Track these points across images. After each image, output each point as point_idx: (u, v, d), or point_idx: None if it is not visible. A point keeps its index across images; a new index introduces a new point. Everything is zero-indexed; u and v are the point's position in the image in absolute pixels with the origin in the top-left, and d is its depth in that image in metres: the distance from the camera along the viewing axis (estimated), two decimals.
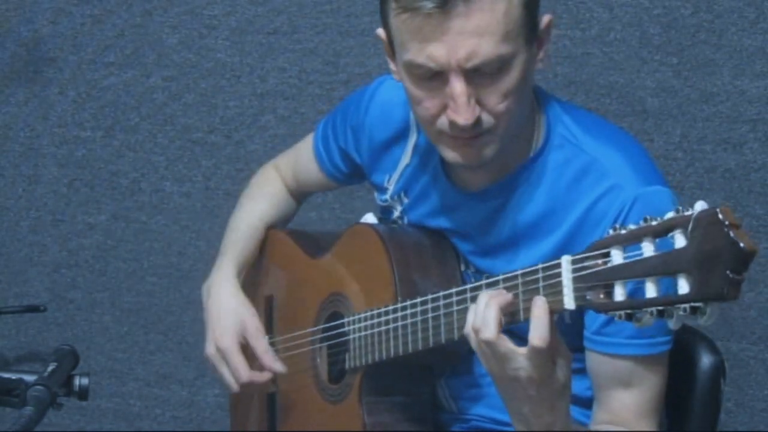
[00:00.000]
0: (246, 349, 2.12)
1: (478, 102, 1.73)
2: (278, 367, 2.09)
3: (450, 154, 1.82)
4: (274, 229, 2.28)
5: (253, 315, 2.14)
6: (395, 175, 2.04)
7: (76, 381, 1.67)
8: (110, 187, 3.13)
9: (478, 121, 1.74)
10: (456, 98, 1.72)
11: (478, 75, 1.72)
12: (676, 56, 2.73)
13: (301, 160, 2.26)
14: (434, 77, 1.74)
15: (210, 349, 2.11)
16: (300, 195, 2.33)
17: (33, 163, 3.15)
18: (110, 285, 3.18)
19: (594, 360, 1.84)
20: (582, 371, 1.88)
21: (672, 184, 1.88)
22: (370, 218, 2.24)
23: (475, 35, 1.69)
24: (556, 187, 1.85)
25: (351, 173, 2.18)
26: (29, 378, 1.62)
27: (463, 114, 1.73)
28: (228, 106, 3.03)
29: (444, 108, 1.75)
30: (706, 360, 1.98)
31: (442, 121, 1.77)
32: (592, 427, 1.87)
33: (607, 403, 1.84)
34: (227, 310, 2.13)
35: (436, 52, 1.71)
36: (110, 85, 3.08)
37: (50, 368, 1.65)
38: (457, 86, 1.72)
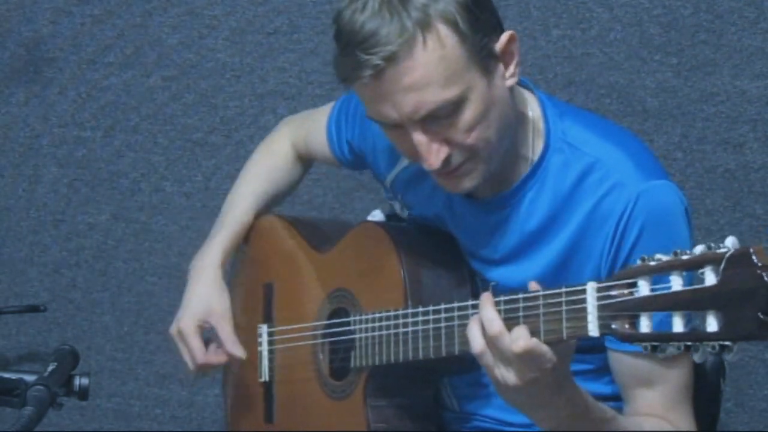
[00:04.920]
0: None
1: (446, 141, 1.75)
2: (239, 352, 2.13)
3: (440, 183, 1.84)
4: (276, 215, 2.28)
5: (223, 303, 2.17)
6: (394, 173, 2.04)
7: (76, 381, 1.68)
8: (110, 187, 3.13)
9: (447, 160, 1.76)
10: (417, 147, 1.75)
11: (434, 119, 1.73)
12: (676, 56, 2.73)
13: (313, 131, 2.27)
14: (397, 126, 1.76)
15: (173, 329, 2.16)
16: (308, 160, 2.34)
17: (33, 163, 3.15)
18: (110, 285, 3.18)
19: (614, 359, 1.84)
20: (592, 372, 1.89)
21: None
22: (378, 215, 2.24)
23: (414, 90, 1.70)
24: (559, 190, 1.84)
25: (355, 161, 2.19)
26: (29, 378, 1.62)
27: (427, 160, 1.75)
28: (228, 106, 3.03)
29: (417, 150, 1.77)
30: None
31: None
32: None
33: (634, 402, 1.84)
34: (198, 296, 2.17)
35: (385, 111, 1.74)
36: (110, 85, 3.08)
37: (50, 368, 1.65)
38: (415, 137, 1.74)
